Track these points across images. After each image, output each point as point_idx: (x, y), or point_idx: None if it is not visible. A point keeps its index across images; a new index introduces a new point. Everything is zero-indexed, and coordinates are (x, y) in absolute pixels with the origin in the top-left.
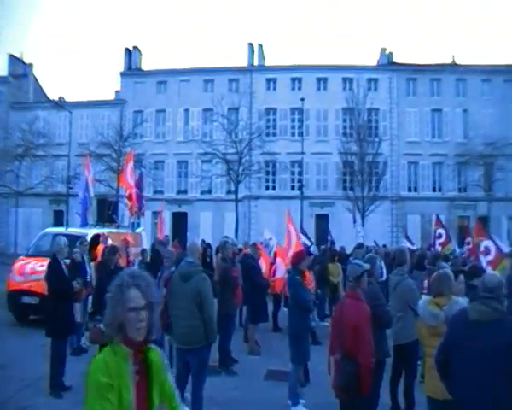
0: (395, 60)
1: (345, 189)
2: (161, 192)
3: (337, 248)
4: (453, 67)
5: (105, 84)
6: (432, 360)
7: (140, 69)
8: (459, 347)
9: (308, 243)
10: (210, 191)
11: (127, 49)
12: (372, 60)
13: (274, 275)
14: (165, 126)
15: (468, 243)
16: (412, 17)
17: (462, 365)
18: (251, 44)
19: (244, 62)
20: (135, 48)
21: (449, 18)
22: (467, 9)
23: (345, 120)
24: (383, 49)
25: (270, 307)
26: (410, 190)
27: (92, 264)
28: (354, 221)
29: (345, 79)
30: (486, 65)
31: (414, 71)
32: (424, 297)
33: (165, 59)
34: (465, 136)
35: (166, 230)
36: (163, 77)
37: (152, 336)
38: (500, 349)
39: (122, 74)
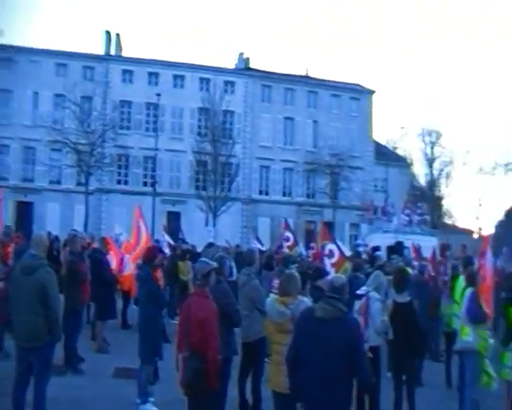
0: (252, 65)
1: (197, 188)
2: (5, 179)
3: (188, 246)
4: (306, 79)
5: None
6: (278, 357)
7: None
8: (306, 342)
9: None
10: (59, 182)
11: None
12: (230, 63)
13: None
14: (10, 108)
15: (312, 248)
16: (270, 26)
17: (308, 359)
18: (108, 32)
19: (100, 50)
20: None
21: (304, 32)
22: (321, 26)
23: (200, 120)
24: (241, 54)
25: (119, 304)
26: (261, 192)
27: None
28: (206, 220)
29: (202, 79)
30: (336, 81)
31: (269, 78)
32: (272, 296)
33: (13, 34)
34: (314, 145)
35: (9, 220)
36: (9, 53)
37: None
38: (341, 345)
39: None
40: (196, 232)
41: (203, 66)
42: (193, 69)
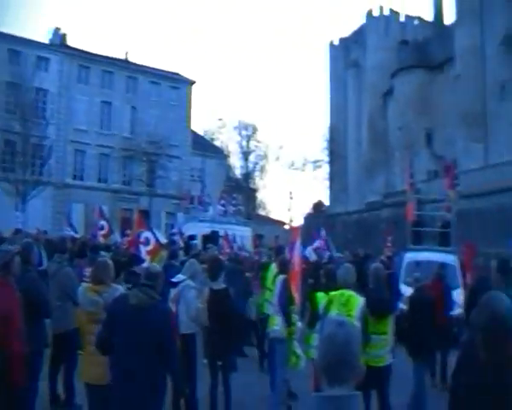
0: (69, 43)
1: (5, 170)
2: None
3: None
4: (126, 63)
5: None
6: (91, 347)
7: None
8: (119, 328)
9: None
10: None
11: None
12: (43, 37)
13: None
14: None
15: (128, 235)
16: (90, 4)
17: (121, 346)
18: None
19: None
20: None
21: (124, 16)
22: (142, 11)
23: (8, 96)
24: (57, 29)
25: None
26: (75, 177)
27: None
28: (16, 205)
29: (11, 51)
30: (156, 68)
31: (87, 59)
32: (83, 285)
33: None
34: (132, 132)
35: None
36: None
37: None
38: (152, 333)
39: None
40: (3, 218)
41: (13, 36)
42: (1, 38)
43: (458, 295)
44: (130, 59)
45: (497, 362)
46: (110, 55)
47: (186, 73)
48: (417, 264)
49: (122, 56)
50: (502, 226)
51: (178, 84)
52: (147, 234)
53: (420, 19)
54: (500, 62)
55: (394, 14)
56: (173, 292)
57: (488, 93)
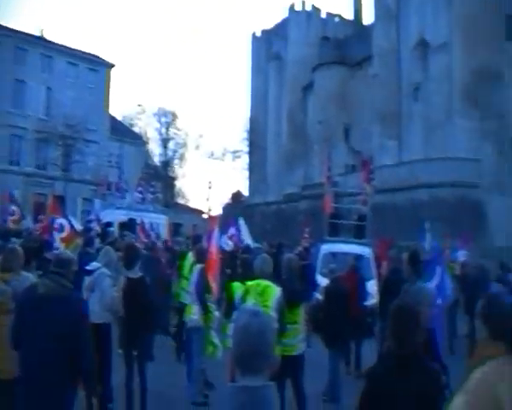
0: None
1: None
2: None
3: None
4: (40, 40)
5: None
6: None
7: None
8: (27, 321)
9: None
10: None
11: None
12: None
13: None
14: None
15: (41, 221)
16: None
17: (29, 340)
18: None
19: None
20: None
21: None
22: None
23: None
24: None
25: None
26: None
27: None
28: None
29: None
30: (74, 49)
31: None
32: None
33: None
34: (47, 113)
35: None
36: None
37: None
38: (63, 325)
39: None
40: None
41: None
42: None
43: (372, 287)
44: (46, 37)
45: (402, 354)
46: (24, 30)
47: (105, 56)
48: (333, 255)
49: (37, 33)
50: (413, 220)
51: (97, 67)
52: (61, 220)
53: (340, 17)
54: (414, 65)
55: (316, 10)
56: (88, 280)
57: (403, 93)
